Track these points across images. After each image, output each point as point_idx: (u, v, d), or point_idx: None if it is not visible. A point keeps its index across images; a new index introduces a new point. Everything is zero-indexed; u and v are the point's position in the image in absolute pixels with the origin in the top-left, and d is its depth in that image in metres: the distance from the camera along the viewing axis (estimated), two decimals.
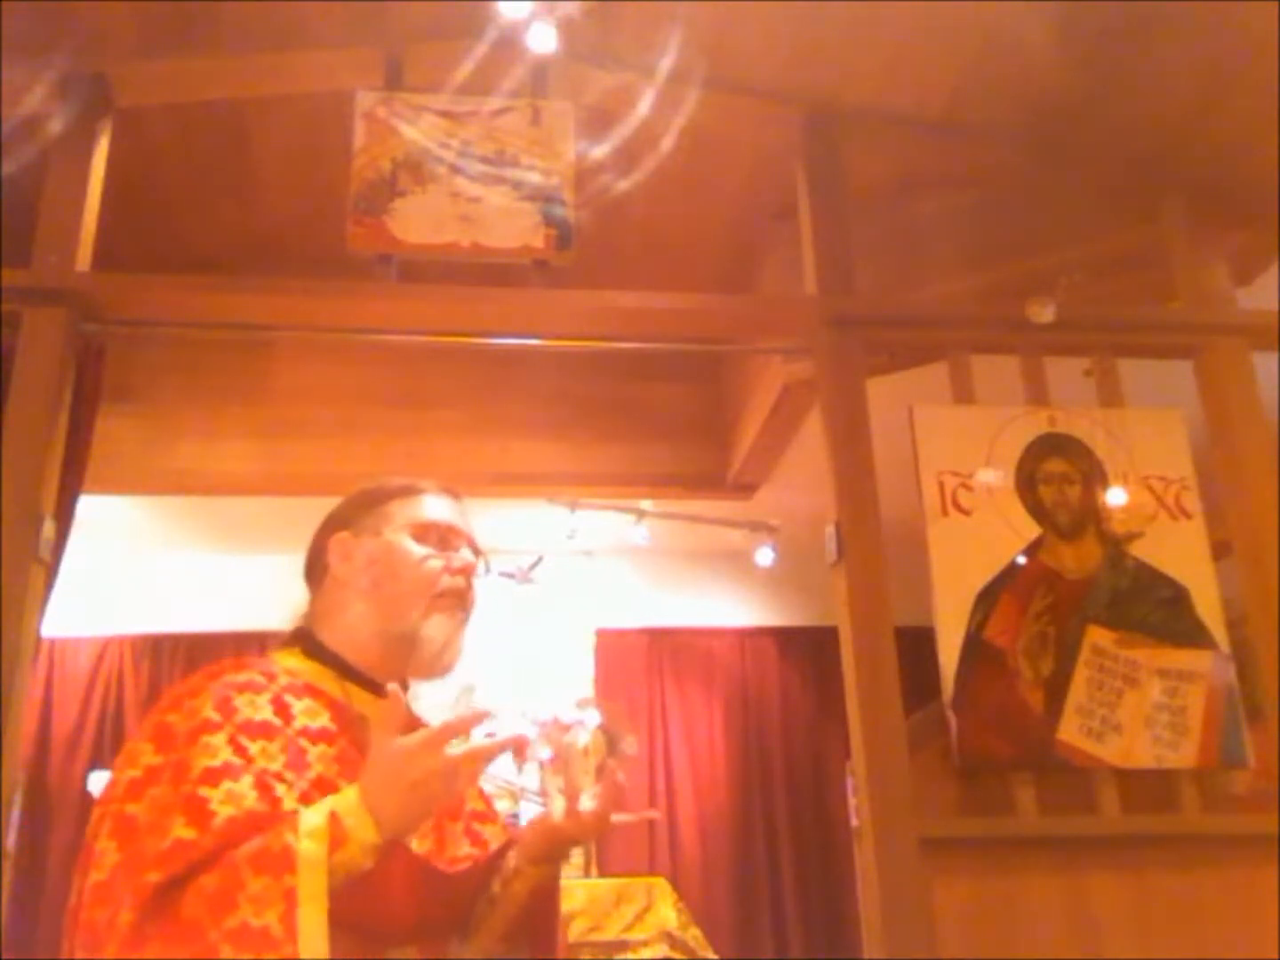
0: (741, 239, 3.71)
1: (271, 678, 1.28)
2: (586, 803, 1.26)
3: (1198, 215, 3.02)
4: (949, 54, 2.79)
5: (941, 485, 2.69)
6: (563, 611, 5.61)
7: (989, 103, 2.91)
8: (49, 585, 2.51)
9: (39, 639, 2.49)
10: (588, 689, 5.34)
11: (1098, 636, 2.59)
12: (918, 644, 2.61)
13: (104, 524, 4.78)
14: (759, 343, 3.22)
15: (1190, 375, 2.92)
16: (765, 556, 5.21)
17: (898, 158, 3.15)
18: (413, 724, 1.26)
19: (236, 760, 1.15)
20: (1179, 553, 2.69)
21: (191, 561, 5.52)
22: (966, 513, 2.68)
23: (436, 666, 1.34)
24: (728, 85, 2.95)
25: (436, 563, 1.35)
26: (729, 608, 5.80)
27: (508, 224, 2.80)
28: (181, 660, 5.42)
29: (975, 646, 2.56)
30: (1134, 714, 2.53)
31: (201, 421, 4.11)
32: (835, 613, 2.61)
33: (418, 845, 1.26)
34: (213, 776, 1.14)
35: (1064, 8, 2.53)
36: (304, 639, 1.35)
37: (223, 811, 1.11)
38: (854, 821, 2.52)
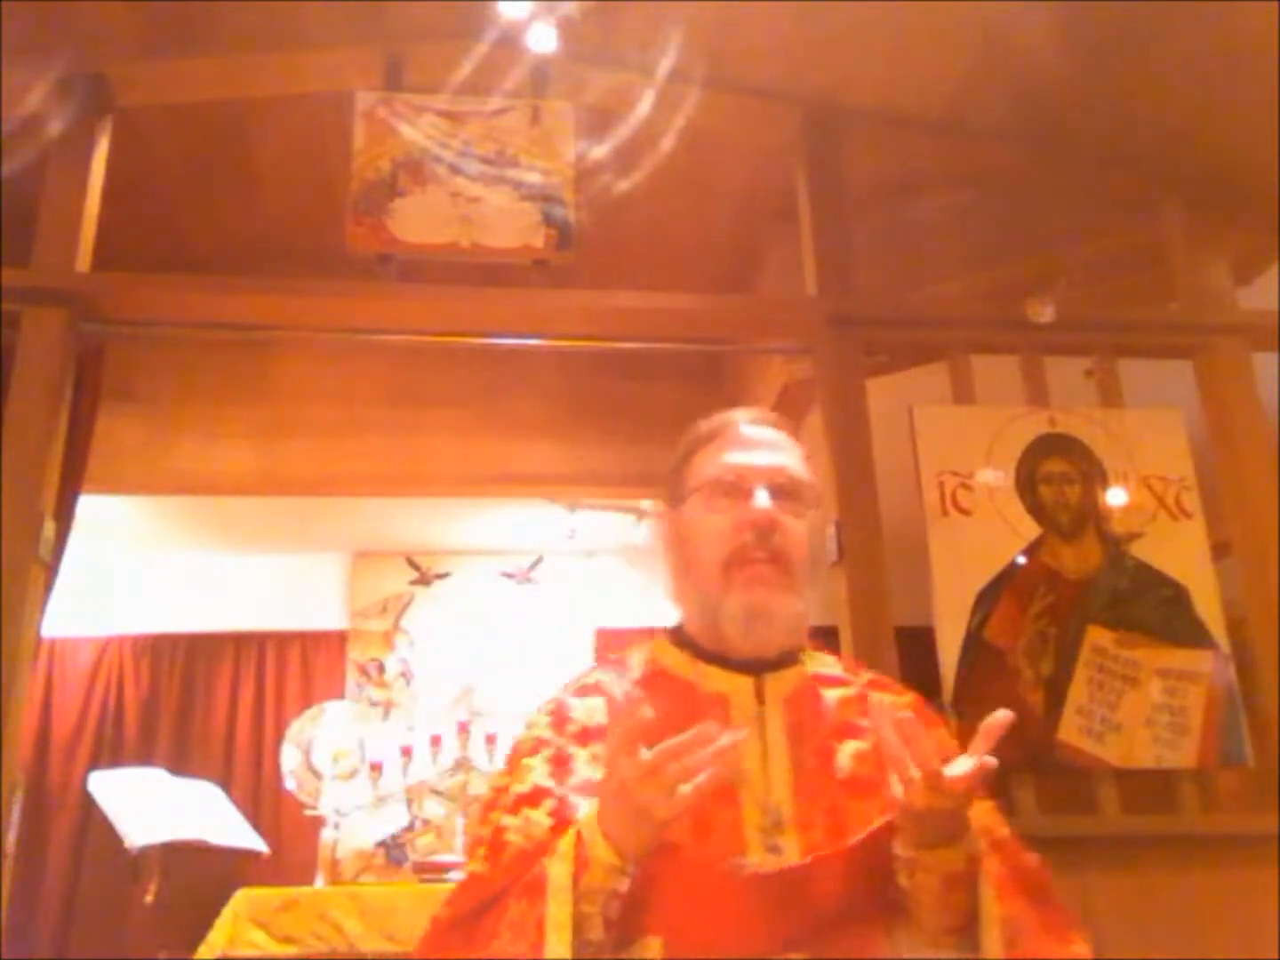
0: (741, 239, 3.71)
1: (625, 671, 1.23)
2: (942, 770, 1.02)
3: (1198, 215, 3.01)
4: (949, 54, 2.79)
5: (941, 485, 2.69)
6: (563, 611, 5.61)
7: (989, 103, 2.91)
8: (49, 585, 2.51)
9: (39, 639, 2.49)
10: None
11: (1098, 636, 2.59)
12: (918, 644, 2.61)
13: (104, 524, 4.78)
14: (759, 343, 3.22)
15: (1190, 375, 2.92)
16: None
17: (898, 158, 3.15)
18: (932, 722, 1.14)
19: (547, 784, 1.11)
20: (1179, 553, 2.69)
21: (191, 561, 5.52)
22: (966, 513, 2.68)
23: (749, 642, 1.17)
24: (728, 85, 2.95)
25: (723, 522, 1.19)
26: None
27: (508, 224, 2.80)
28: (181, 660, 5.42)
29: (975, 646, 2.56)
30: (1134, 714, 2.53)
31: (201, 421, 4.11)
32: (835, 613, 2.61)
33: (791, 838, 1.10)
34: (519, 804, 1.11)
35: (1064, 8, 2.53)
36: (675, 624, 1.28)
37: (513, 843, 1.07)
38: None
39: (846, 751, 1.15)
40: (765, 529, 1.17)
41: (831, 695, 1.19)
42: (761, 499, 1.18)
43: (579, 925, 1.00)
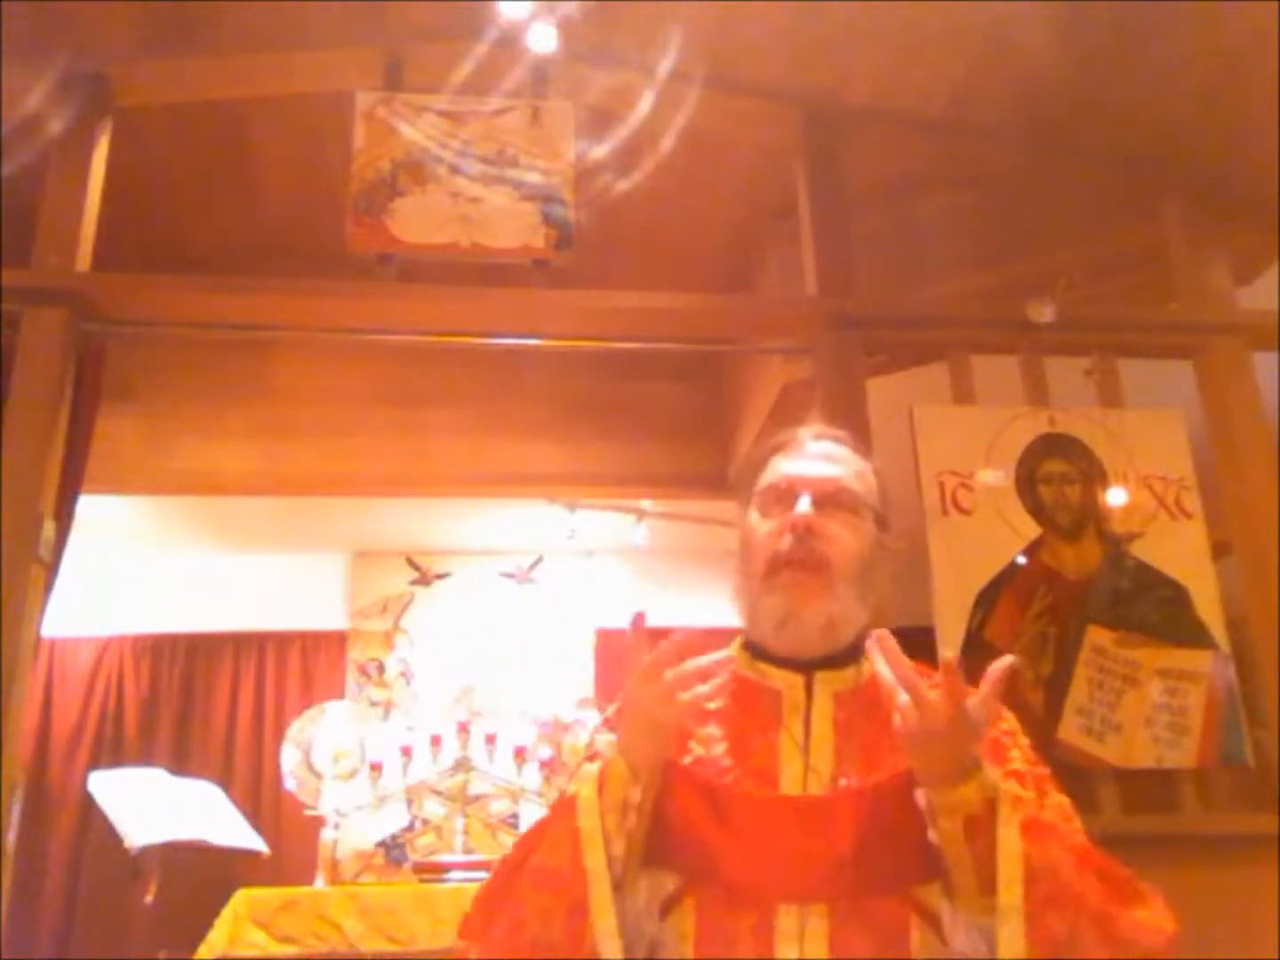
0: (741, 239, 3.71)
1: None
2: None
3: (1198, 215, 3.01)
4: (949, 54, 2.79)
5: (941, 485, 2.69)
6: (563, 611, 5.61)
7: (989, 103, 2.91)
8: (49, 585, 2.51)
9: (39, 639, 2.49)
10: (588, 689, 5.34)
11: (1098, 636, 2.59)
12: (918, 644, 2.60)
13: (104, 524, 4.78)
14: (759, 343, 3.22)
15: (1190, 375, 2.92)
16: None
17: (898, 158, 3.15)
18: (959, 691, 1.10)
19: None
20: (1179, 553, 2.69)
21: (191, 561, 5.52)
22: (966, 513, 2.68)
23: (781, 642, 1.24)
24: (728, 85, 2.95)
25: (768, 528, 1.25)
26: (729, 608, 5.80)
27: (508, 224, 2.80)
28: (181, 660, 5.42)
29: (975, 646, 2.56)
30: (1134, 714, 2.53)
31: (201, 421, 4.11)
32: None
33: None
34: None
35: (1064, 8, 2.53)
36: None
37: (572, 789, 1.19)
38: None
39: (891, 745, 1.16)
40: (802, 533, 1.22)
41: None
42: (803, 505, 1.23)
43: (606, 837, 1.11)
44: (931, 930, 1.10)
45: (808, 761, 1.19)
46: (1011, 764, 1.21)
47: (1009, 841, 1.05)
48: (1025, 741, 1.27)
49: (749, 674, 1.28)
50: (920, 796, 1.10)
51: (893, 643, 1.09)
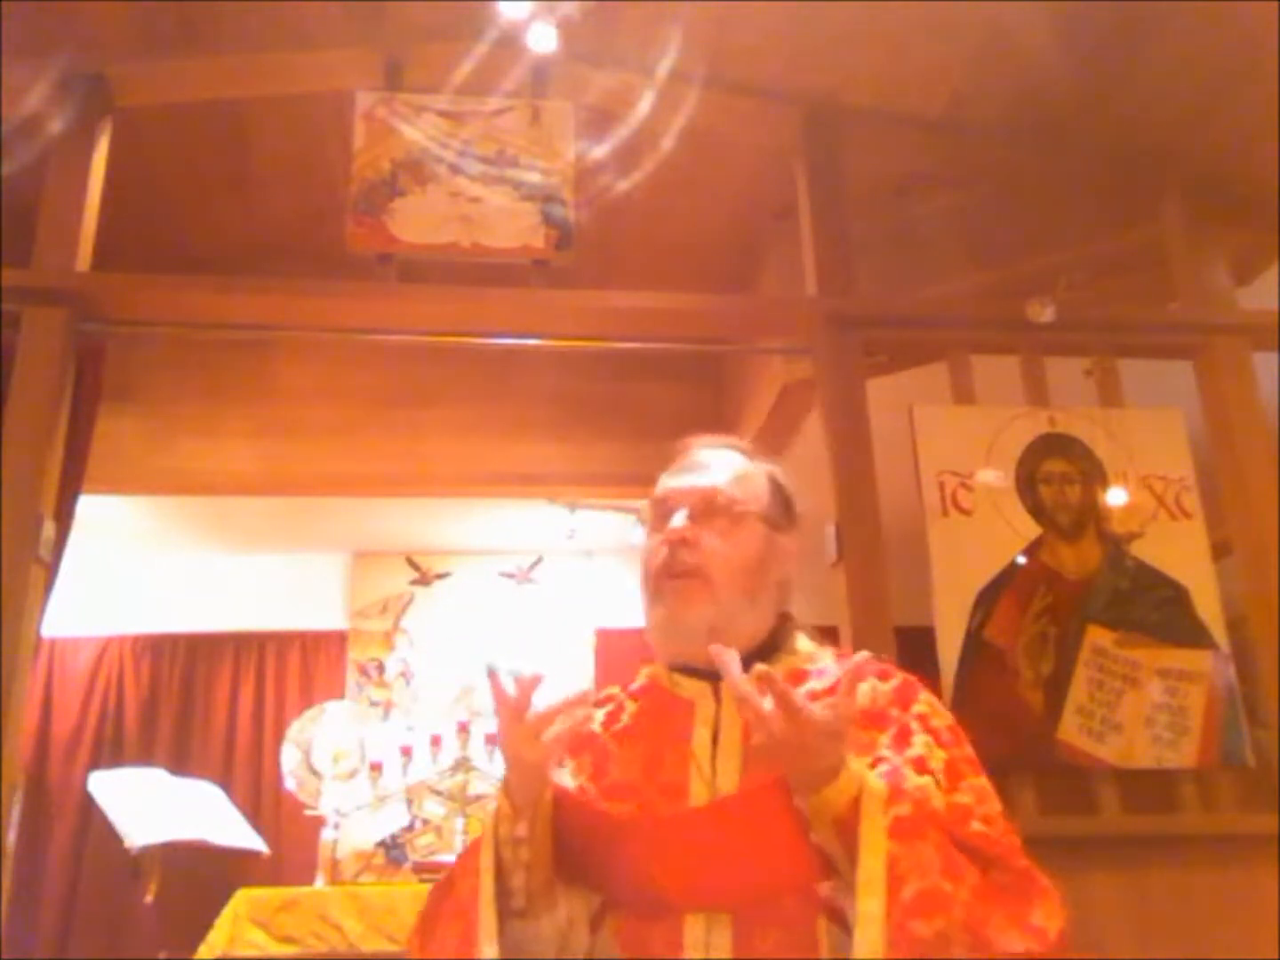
0: (741, 239, 3.71)
1: (627, 685, 1.36)
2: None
3: (1198, 215, 3.01)
4: (949, 54, 2.79)
5: (941, 485, 2.69)
6: (563, 611, 5.61)
7: (989, 102, 2.91)
8: (49, 585, 2.51)
9: (39, 639, 2.49)
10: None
11: (1098, 636, 2.59)
12: (918, 644, 2.61)
13: (104, 524, 4.78)
14: (759, 343, 3.22)
15: (1190, 375, 2.92)
16: None
17: (898, 158, 3.15)
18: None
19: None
20: (1179, 553, 2.69)
21: (191, 561, 5.52)
22: (966, 513, 2.68)
23: (665, 651, 1.29)
24: (728, 85, 2.95)
25: (652, 543, 1.31)
26: None
27: (508, 224, 2.80)
28: (181, 660, 5.42)
29: (975, 646, 2.56)
30: (1134, 714, 2.53)
31: (201, 421, 4.11)
32: (835, 613, 2.61)
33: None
34: None
35: (1064, 7, 2.53)
36: None
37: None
38: None
39: None
40: (676, 545, 1.26)
41: (800, 690, 1.17)
42: (677, 519, 1.27)
43: (505, 870, 1.17)
44: (840, 928, 1.10)
45: (715, 770, 1.21)
46: (911, 749, 1.19)
47: (871, 843, 1.04)
48: (942, 723, 1.24)
49: (665, 684, 1.32)
50: (799, 800, 1.11)
51: (729, 655, 1.09)
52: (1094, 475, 2.75)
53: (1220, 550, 2.72)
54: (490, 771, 4.78)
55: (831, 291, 2.86)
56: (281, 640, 5.50)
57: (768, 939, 1.10)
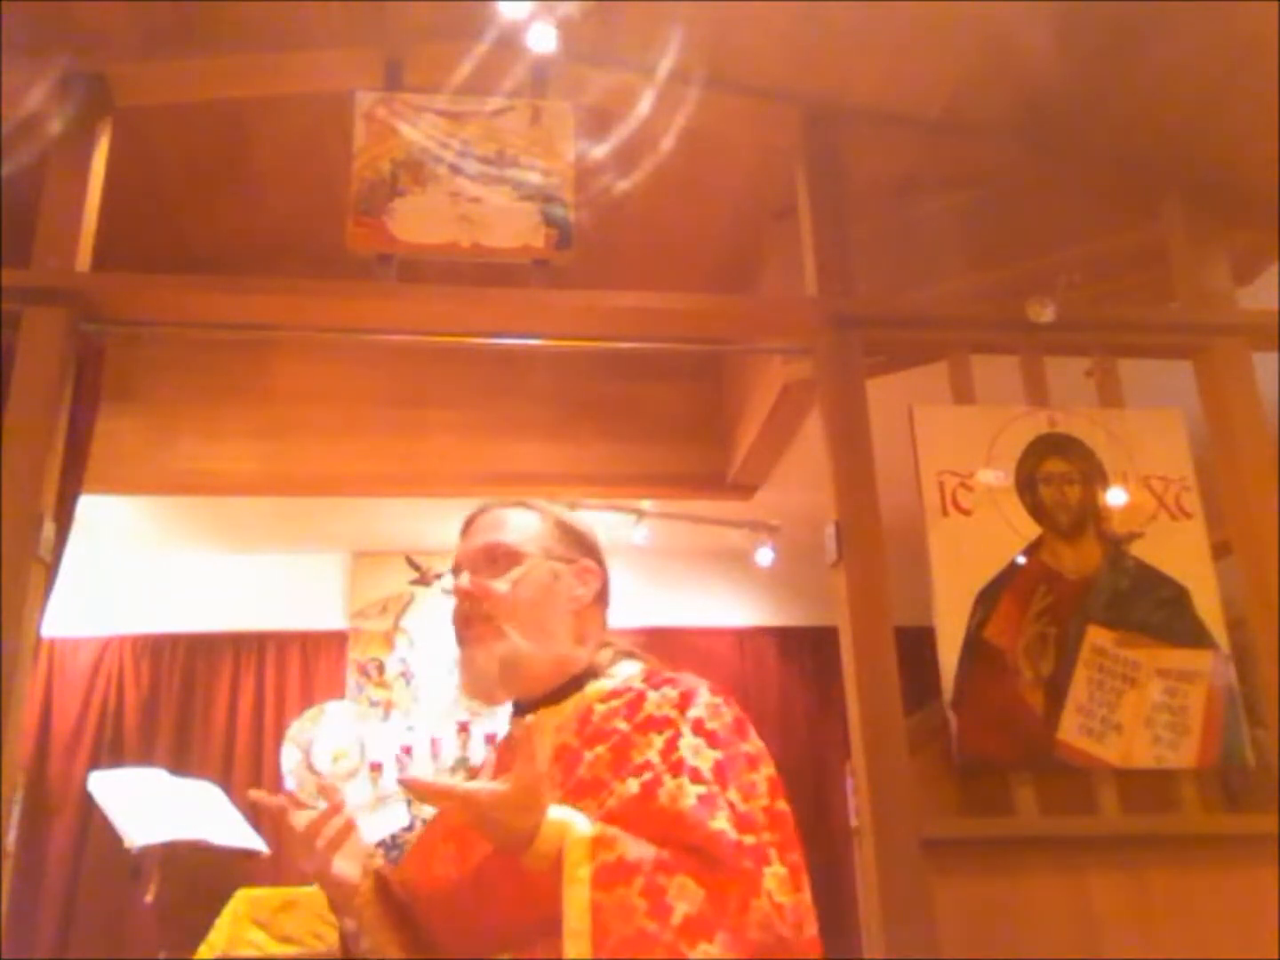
0: (742, 239, 3.71)
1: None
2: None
3: (1198, 215, 3.01)
4: (949, 54, 2.79)
5: (941, 485, 2.69)
6: None
7: (989, 103, 2.91)
8: (49, 585, 2.51)
9: (39, 639, 2.49)
10: None
11: (1098, 636, 2.59)
12: (918, 644, 2.61)
13: (104, 524, 4.78)
14: (759, 343, 3.22)
15: (1190, 375, 2.92)
16: (765, 556, 5.21)
17: (898, 158, 3.15)
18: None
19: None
20: (1179, 553, 2.69)
21: (191, 561, 5.53)
22: (966, 513, 2.68)
23: (474, 690, 1.36)
24: (728, 85, 2.95)
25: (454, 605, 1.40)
26: (729, 608, 5.81)
27: (508, 224, 2.80)
28: (181, 660, 5.42)
29: (975, 646, 2.56)
30: (1134, 714, 2.53)
31: (202, 421, 4.12)
32: (835, 613, 2.61)
33: None
34: None
35: (1064, 8, 2.53)
36: None
37: None
38: (854, 821, 2.53)
39: (587, 760, 1.23)
40: (462, 599, 1.37)
41: (600, 709, 1.29)
42: (462, 580, 1.38)
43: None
44: None
45: None
46: (676, 753, 1.18)
47: (573, 897, 1.07)
48: (719, 724, 1.23)
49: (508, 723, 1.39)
50: None
51: (411, 778, 1.26)
52: (1094, 475, 2.75)
53: (1220, 550, 2.72)
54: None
55: (831, 291, 2.86)
56: (281, 640, 5.50)
57: None
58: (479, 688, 1.34)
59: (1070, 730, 2.51)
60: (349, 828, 1.27)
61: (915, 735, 2.50)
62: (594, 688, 1.34)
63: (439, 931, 1.26)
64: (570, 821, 1.12)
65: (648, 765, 1.18)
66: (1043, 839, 2.47)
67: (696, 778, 1.16)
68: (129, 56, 2.84)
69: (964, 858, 2.40)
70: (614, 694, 1.31)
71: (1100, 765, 2.50)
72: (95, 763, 5.00)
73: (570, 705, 1.32)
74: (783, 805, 1.22)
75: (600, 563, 1.44)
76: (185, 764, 4.99)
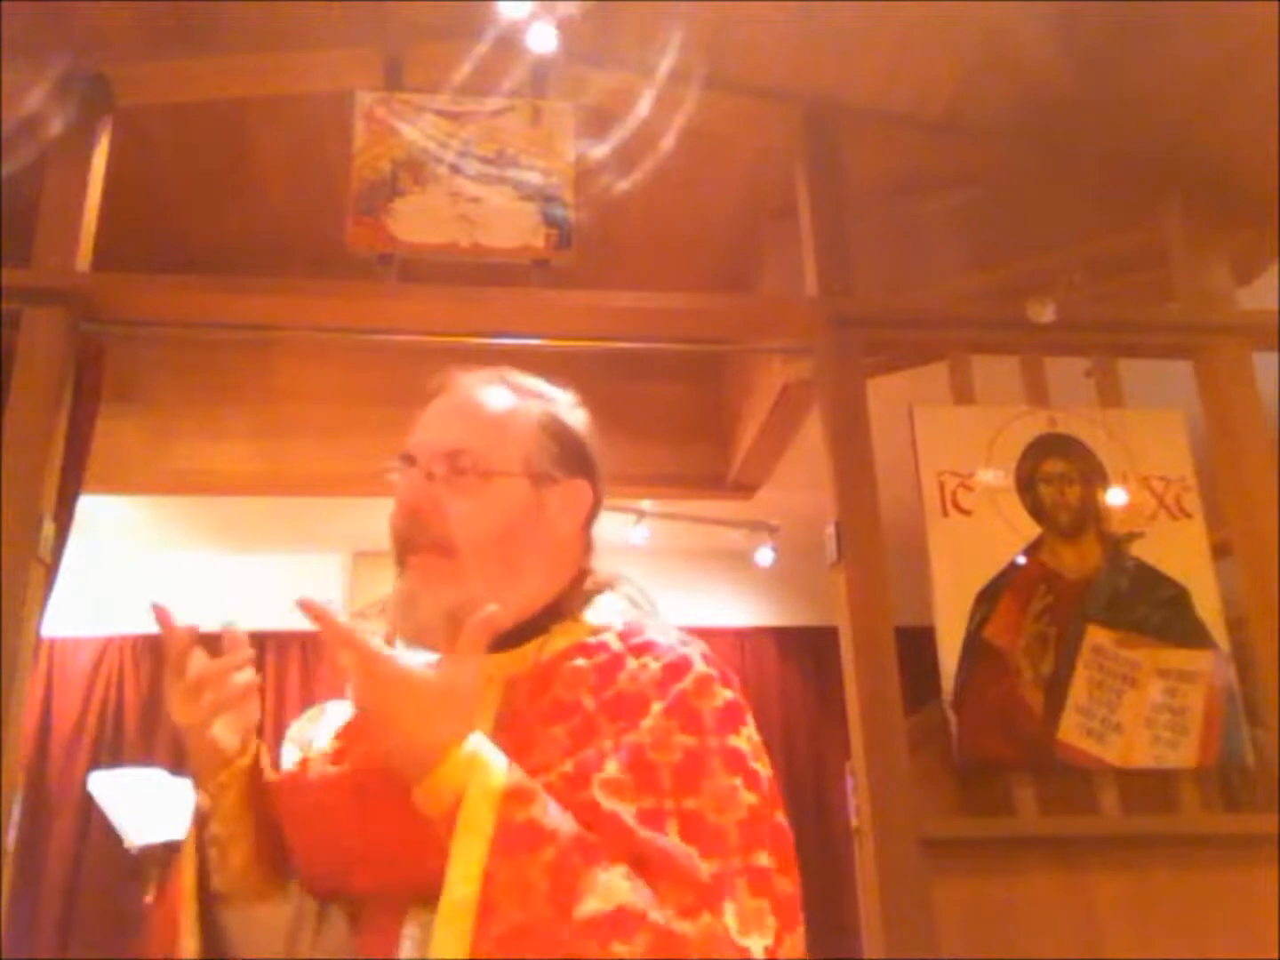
0: (741, 239, 3.71)
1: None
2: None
3: (1198, 215, 3.01)
4: (949, 54, 2.79)
5: (941, 485, 2.69)
6: None
7: (989, 103, 2.91)
8: (49, 585, 2.51)
9: (39, 639, 2.49)
10: None
11: (1098, 636, 2.59)
12: (918, 644, 2.61)
13: (104, 524, 4.78)
14: (759, 343, 3.22)
15: (1190, 375, 2.92)
16: (765, 556, 5.21)
17: (898, 158, 3.15)
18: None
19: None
20: (1179, 553, 2.69)
21: (191, 561, 5.52)
22: (966, 513, 2.68)
23: (405, 632, 1.08)
24: (728, 85, 2.96)
25: (395, 503, 1.12)
26: (729, 608, 5.80)
27: (508, 224, 2.80)
28: None
29: (975, 646, 2.56)
30: (1134, 714, 2.53)
31: (201, 421, 4.11)
32: (835, 613, 2.61)
33: None
34: None
35: (1064, 7, 2.53)
36: None
37: None
38: (854, 821, 2.52)
39: (540, 743, 0.97)
40: (408, 514, 1.10)
41: (565, 669, 1.03)
42: (412, 484, 1.10)
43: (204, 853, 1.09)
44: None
45: None
46: (634, 734, 0.95)
47: (463, 855, 0.83)
48: (707, 705, 0.99)
49: None
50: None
51: (313, 604, 0.89)
52: (1094, 475, 2.75)
53: (1220, 550, 2.72)
54: None
55: (831, 291, 2.86)
56: (281, 640, 5.50)
57: (385, 935, 0.92)
58: (413, 633, 1.06)
59: (1070, 730, 2.51)
60: (247, 692, 1.06)
61: (915, 735, 2.50)
62: (560, 633, 1.07)
63: (297, 846, 1.03)
64: (486, 761, 0.88)
65: (599, 750, 0.94)
66: (1043, 839, 2.47)
67: (659, 771, 0.92)
68: (129, 56, 2.84)
69: (964, 858, 2.41)
70: (583, 649, 1.05)
71: (1100, 765, 2.50)
72: (95, 763, 4.99)
73: (529, 652, 1.05)
74: (780, 818, 0.95)
75: (593, 478, 1.18)
76: (185, 764, 4.98)
